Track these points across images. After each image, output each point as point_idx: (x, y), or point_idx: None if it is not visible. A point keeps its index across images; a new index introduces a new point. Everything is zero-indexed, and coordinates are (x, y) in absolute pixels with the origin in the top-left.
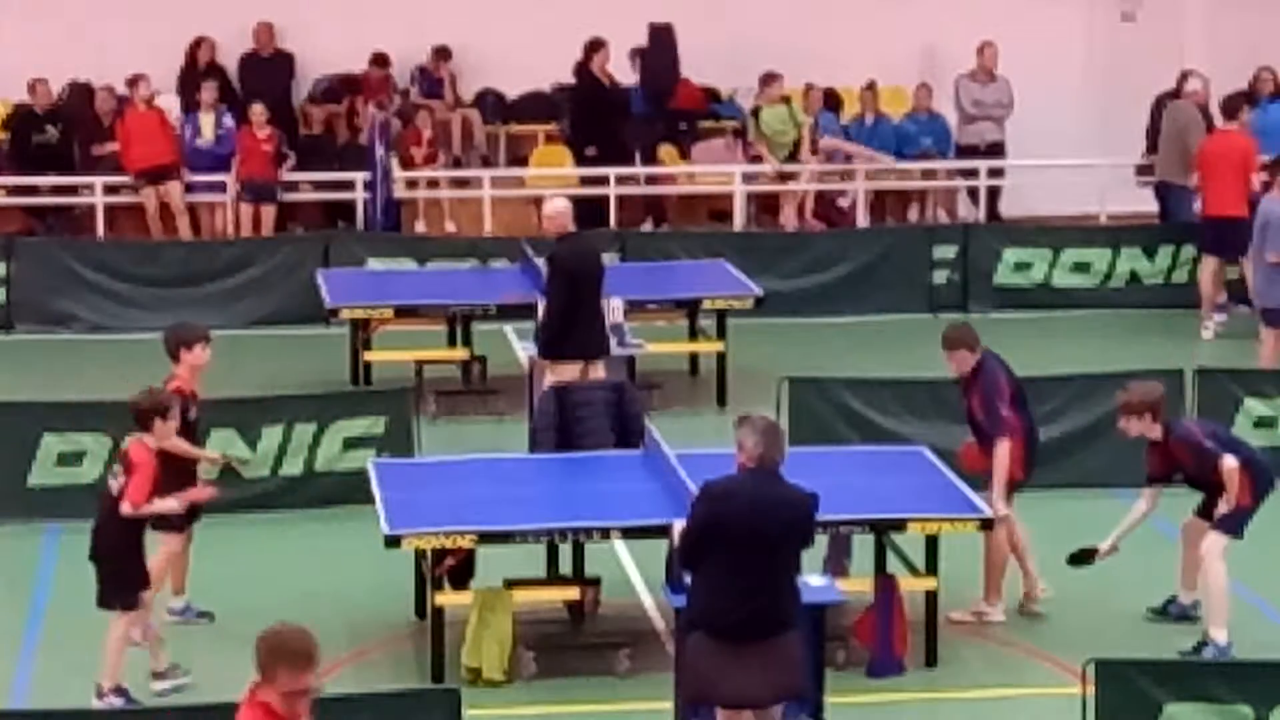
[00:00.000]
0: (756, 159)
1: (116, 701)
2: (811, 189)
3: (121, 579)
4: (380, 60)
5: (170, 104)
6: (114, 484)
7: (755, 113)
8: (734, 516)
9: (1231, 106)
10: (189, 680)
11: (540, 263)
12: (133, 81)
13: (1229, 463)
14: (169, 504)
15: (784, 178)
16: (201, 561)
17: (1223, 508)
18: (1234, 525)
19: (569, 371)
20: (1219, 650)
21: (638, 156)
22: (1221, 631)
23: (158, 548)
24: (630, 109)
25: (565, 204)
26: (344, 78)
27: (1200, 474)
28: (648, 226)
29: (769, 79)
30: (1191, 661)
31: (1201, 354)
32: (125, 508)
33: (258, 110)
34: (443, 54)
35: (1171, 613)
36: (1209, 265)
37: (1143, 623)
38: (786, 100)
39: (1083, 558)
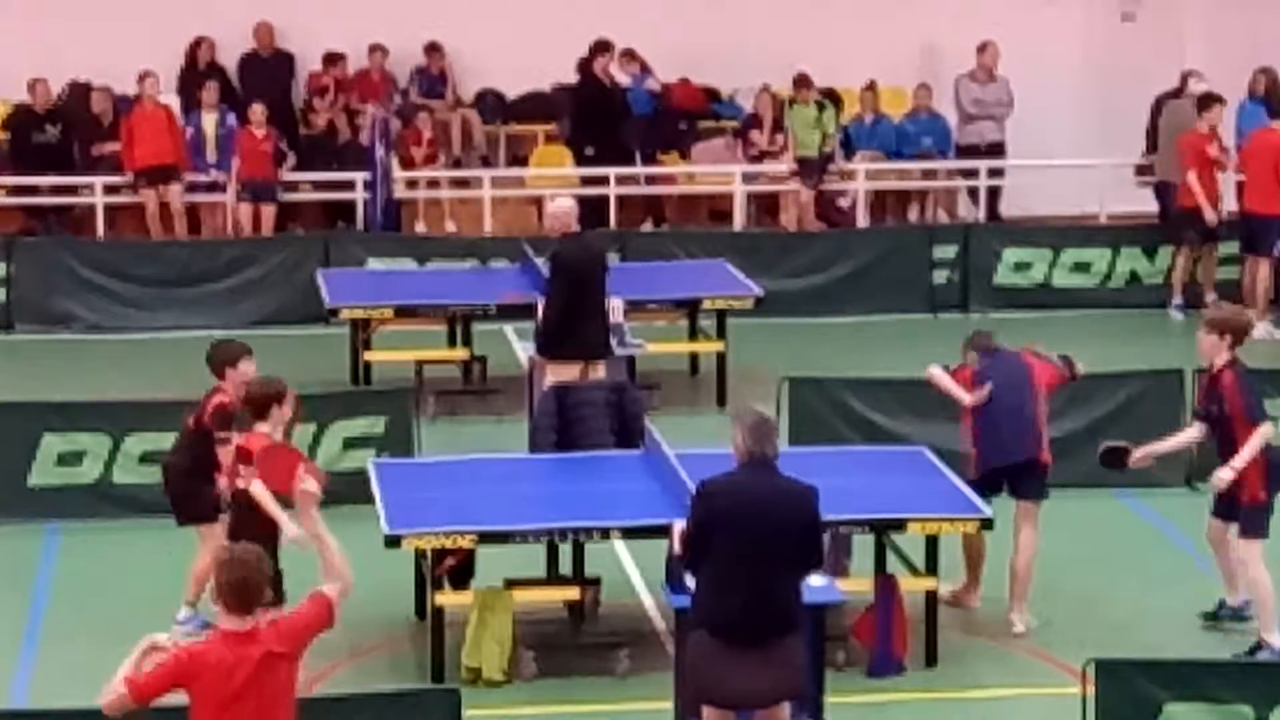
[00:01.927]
0: (757, 159)
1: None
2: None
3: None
4: (380, 50)
5: (170, 104)
6: (241, 483)
7: (790, 103)
8: (731, 512)
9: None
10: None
11: (540, 262)
12: (141, 78)
13: (1266, 428)
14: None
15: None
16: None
17: (1224, 474)
18: (1260, 526)
19: (569, 371)
20: (1275, 653)
21: (638, 156)
22: (1275, 635)
23: (202, 545)
24: (630, 110)
25: (570, 203)
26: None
27: (1224, 417)
28: (648, 226)
29: (801, 81)
30: (1191, 661)
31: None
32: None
33: (257, 110)
34: (435, 49)
35: (1223, 615)
36: (1249, 264)
37: (1150, 623)
38: (820, 105)
39: (1114, 458)
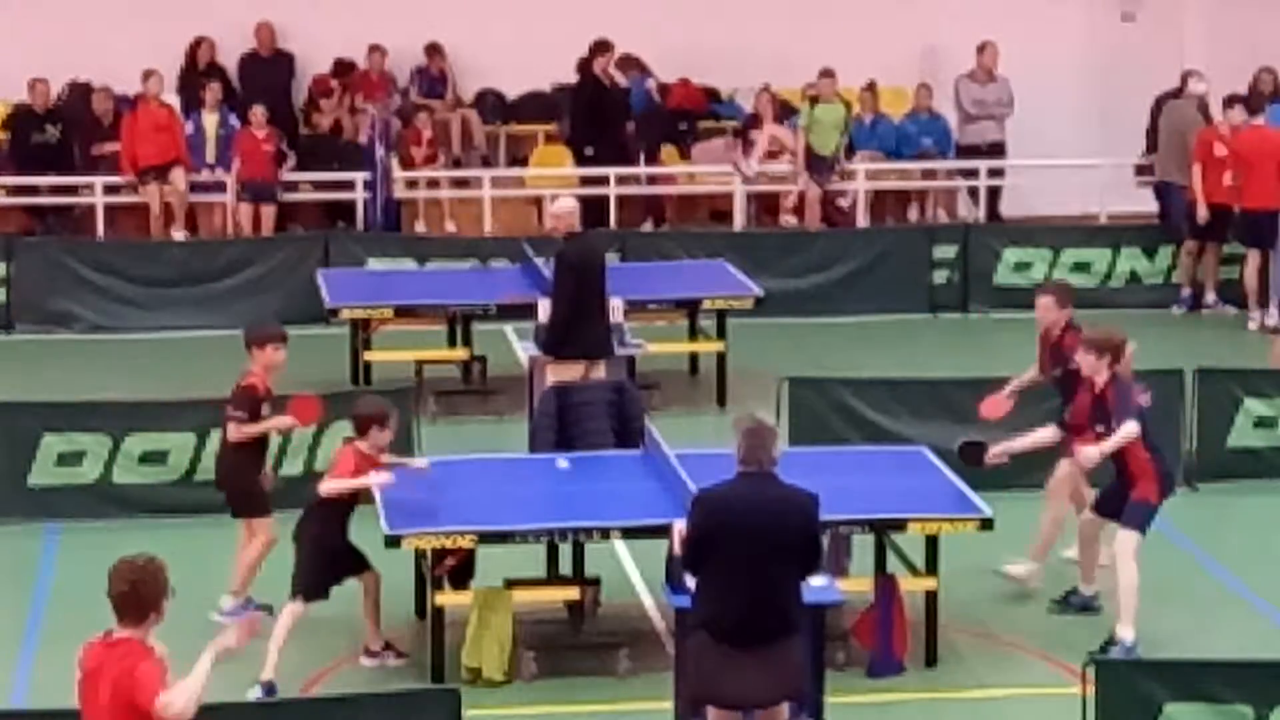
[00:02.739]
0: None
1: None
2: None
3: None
4: (379, 51)
5: (171, 104)
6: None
7: (812, 101)
8: (727, 522)
9: (1258, 102)
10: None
11: (540, 262)
12: (145, 77)
13: (1130, 427)
14: (278, 421)
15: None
16: (202, 562)
17: (1091, 452)
18: (1142, 522)
19: (572, 371)
20: (1126, 649)
21: (642, 156)
22: (1130, 631)
23: (251, 536)
24: (630, 110)
25: (573, 203)
26: (336, 65)
27: (1108, 420)
28: (648, 226)
29: (825, 75)
30: (1191, 661)
31: (1202, 354)
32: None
33: (257, 111)
34: (436, 50)
35: (1073, 604)
36: (1252, 260)
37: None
38: (847, 104)
39: (971, 454)
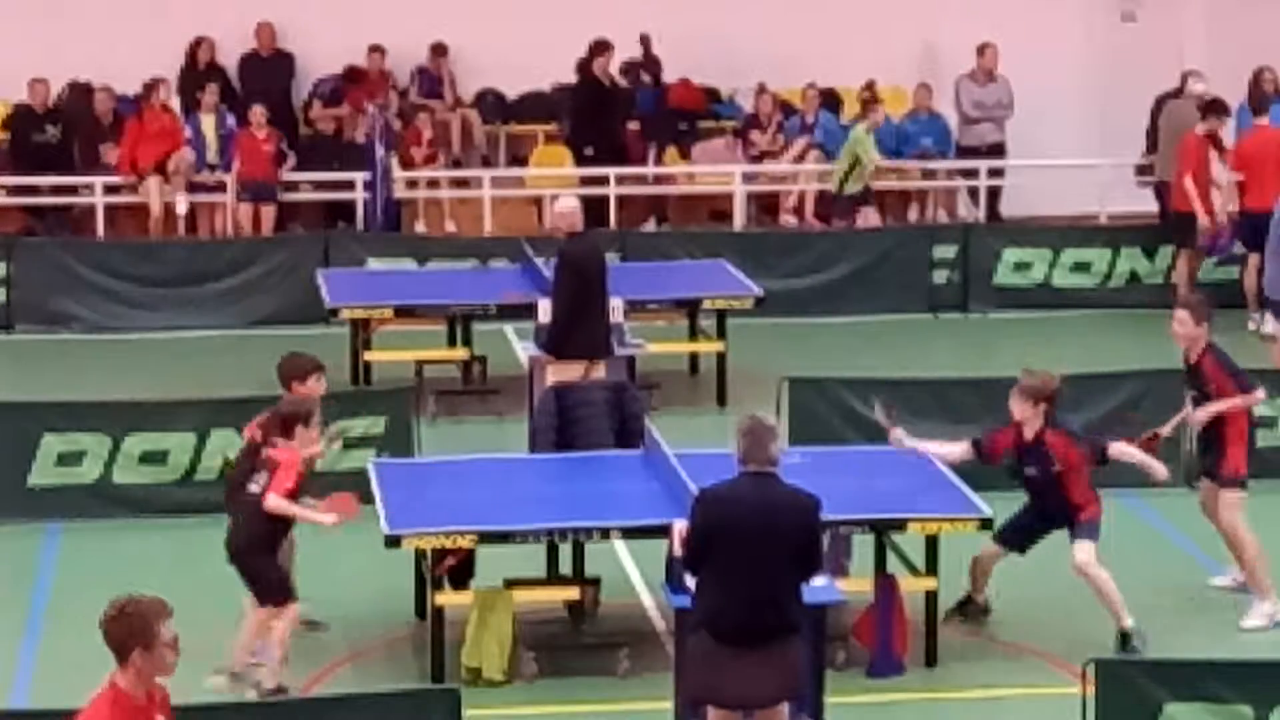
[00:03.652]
0: (757, 159)
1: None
2: (812, 189)
3: (270, 574)
4: (379, 51)
5: (173, 106)
6: (254, 487)
7: (871, 128)
8: (728, 522)
9: (1263, 103)
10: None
11: (541, 262)
12: (153, 86)
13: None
14: (322, 517)
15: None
16: (202, 562)
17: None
18: (1096, 532)
19: (572, 371)
20: (1139, 635)
21: (650, 156)
22: (1127, 617)
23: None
24: (632, 109)
25: (575, 203)
26: (346, 72)
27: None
28: (651, 226)
29: (872, 103)
30: (1191, 661)
31: None
32: (270, 501)
33: (257, 111)
34: (439, 50)
35: (970, 613)
36: (1252, 262)
37: (1150, 623)
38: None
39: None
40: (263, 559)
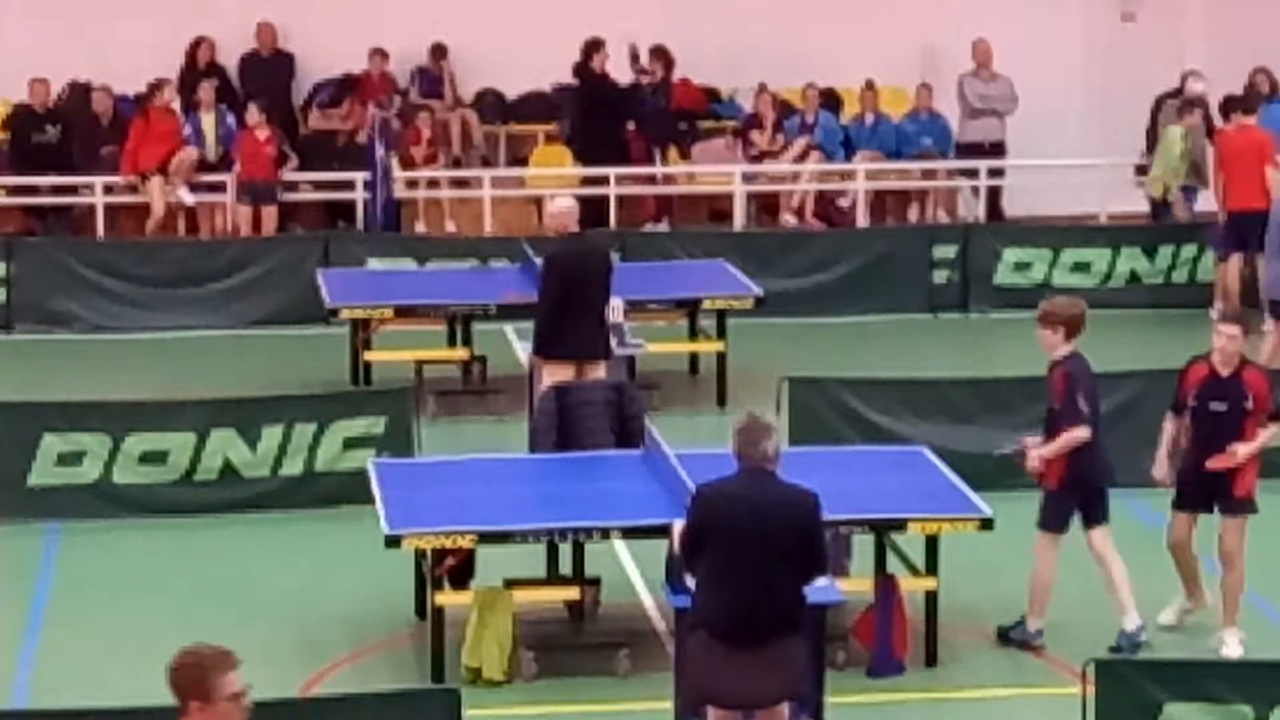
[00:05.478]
0: (757, 159)
1: None
2: (812, 189)
3: None
4: (380, 54)
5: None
6: None
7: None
8: (725, 518)
9: (1248, 103)
10: None
11: (540, 262)
12: (156, 87)
13: (1079, 433)
14: None
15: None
16: (202, 562)
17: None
18: (1057, 523)
19: (563, 372)
20: (1030, 635)
21: (657, 155)
22: (1037, 620)
23: None
24: (635, 108)
25: (570, 203)
26: (345, 80)
27: (1052, 415)
28: (653, 226)
29: (1188, 106)
30: (1191, 661)
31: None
32: None
33: (254, 110)
34: (439, 51)
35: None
36: (1232, 263)
37: (1150, 623)
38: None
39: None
40: None
